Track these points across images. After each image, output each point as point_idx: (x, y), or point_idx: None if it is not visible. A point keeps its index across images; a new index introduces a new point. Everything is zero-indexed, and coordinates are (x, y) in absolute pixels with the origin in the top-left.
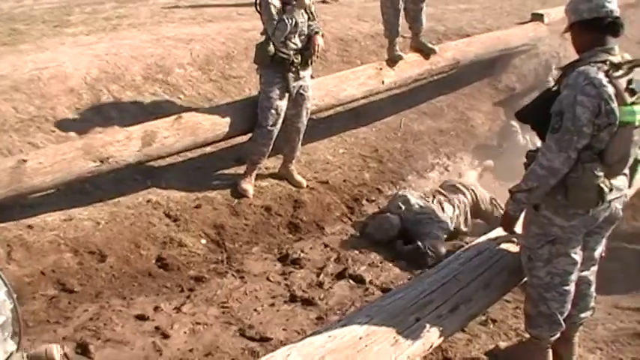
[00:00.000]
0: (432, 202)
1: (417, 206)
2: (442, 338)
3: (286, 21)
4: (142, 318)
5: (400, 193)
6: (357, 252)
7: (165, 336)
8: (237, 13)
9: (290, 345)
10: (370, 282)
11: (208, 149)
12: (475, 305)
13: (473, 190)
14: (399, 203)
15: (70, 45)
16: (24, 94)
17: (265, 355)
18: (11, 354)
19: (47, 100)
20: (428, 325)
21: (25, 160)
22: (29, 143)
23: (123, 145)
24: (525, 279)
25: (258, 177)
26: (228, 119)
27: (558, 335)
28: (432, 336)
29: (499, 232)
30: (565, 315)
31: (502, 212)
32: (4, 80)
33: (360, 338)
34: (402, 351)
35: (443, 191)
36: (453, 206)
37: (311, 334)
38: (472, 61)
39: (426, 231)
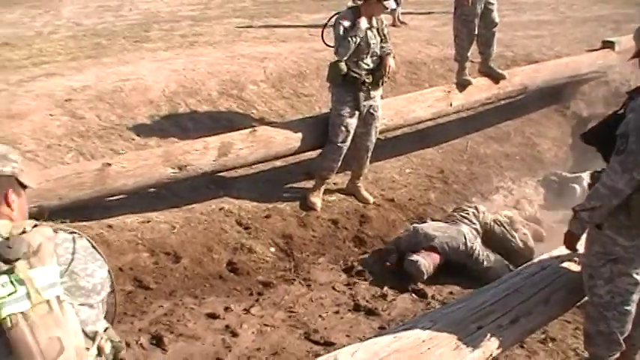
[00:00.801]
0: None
1: (451, 236)
2: (501, 349)
3: (350, 40)
4: (212, 316)
5: (415, 227)
6: None
7: (235, 334)
8: (309, 33)
9: (356, 344)
10: (432, 297)
11: (279, 163)
12: (535, 319)
13: (482, 212)
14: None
15: (150, 59)
16: (107, 103)
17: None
18: (106, 329)
19: (128, 110)
20: (489, 335)
21: (109, 164)
22: (111, 149)
23: (200, 154)
24: (586, 298)
25: (326, 192)
26: (300, 134)
27: (617, 356)
28: (491, 345)
29: (562, 250)
30: (625, 335)
31: (512, 236)
32: (89, 90)
33: (423, 341)
34: (463, 357)
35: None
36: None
37: (376, 335)
38: (540, 87)
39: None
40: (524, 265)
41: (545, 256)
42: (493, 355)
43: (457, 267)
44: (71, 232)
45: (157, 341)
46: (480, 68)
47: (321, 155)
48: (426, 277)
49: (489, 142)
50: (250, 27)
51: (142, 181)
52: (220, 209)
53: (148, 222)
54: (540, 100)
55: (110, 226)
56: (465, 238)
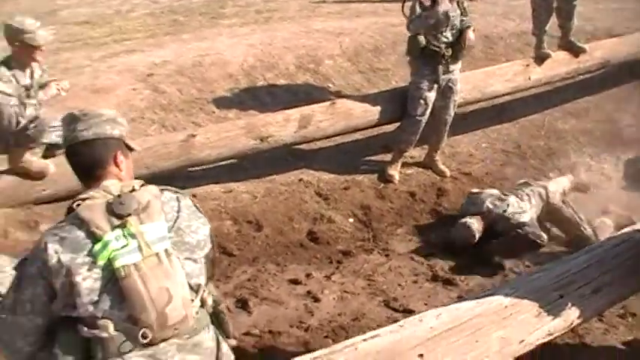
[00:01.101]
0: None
1: (498, 202)
2: (582, 319)
3: (425, 19)
4: (295, 282)
5: (474, 191)
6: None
7: (316, 300)
8: (384, 8)
9: (440, 307)
10: (510, 269)
11: (357, 135)
12: (616, 291)
13: (544, 186)
14: (480, 202)
15: (227, 35)
16: (188, 78)
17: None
18: (207, 284)
19: (208, 84)
20: (570, 303)
21: (194, 135)
22: (192, 122)
23: (281, 126)
24: None
25: (404, 165)
26: (378, 107)
27: None
28: (572, 314)
29: None
30: None
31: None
32: (169, 65)
33: (505, 307)
34: (544, 324)
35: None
36: (529, 197)
37: (459, 300)
38: (622, 61)
39: (515, 222)
40: (607, 237)
41: (629, 229)
42: (574, 324)
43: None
44: (175, 192)
45: (242, 304)
46: (559, 42)
47: (400, 128)
48: (477, 237)
49: (568, 117)
50: (324, 2)
51: (224, 152)
52: (300, 180)
53: (230, 192)
54: (621, 76)
55: (194, 195)
56: (508, 207)
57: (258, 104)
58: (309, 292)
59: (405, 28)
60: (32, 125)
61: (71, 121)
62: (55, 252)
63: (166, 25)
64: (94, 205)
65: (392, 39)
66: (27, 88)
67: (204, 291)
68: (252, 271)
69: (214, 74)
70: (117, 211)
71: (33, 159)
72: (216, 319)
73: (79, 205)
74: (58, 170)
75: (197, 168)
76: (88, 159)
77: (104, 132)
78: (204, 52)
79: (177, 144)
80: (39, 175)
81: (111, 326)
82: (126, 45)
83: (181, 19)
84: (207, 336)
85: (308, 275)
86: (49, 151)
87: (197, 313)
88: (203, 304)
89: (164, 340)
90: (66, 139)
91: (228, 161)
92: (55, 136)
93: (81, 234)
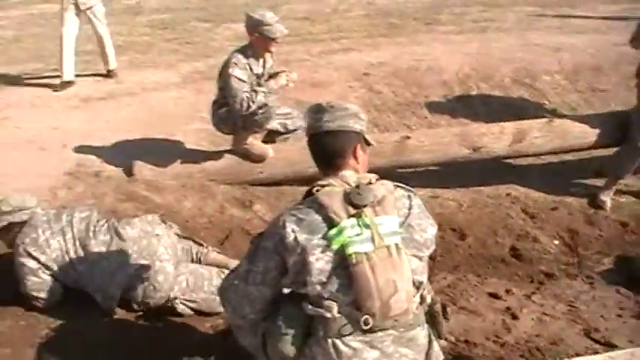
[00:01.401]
0: None
1: None
2: None
3: None
4: (494, 296)
5: None
6: None
7: (515, 317)
8: (607, 25)
9: None
10: None
11: (568, 156)
12: None
13: None
14: None
15: (442, 42)
16: (402, 81)
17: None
18: (422, 283)
19: (422, 89)
20: None
21: (408, 137)
22: (404, 124)
23: (496, 137)
24: None
25: (617, 192)
26: (597, 130)
27: None
28: None
29: None
30: None
31: None
32: (385, 67)
33: None
34: None
35: None
36: None
37: None
38: None
39: None
40: None
41: None
42: None
43: None
44: (407, 190)
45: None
46: None
47: (618, 154)
48: None
49: None
50: (542, 15)
51: (436, 157)
52: (507, 195)
53: (437, 197)
54: None
55: None
56: None
57: (470, 113)
58: (508, 309)
59: (628, 48)
60: (260, 111)
61: (318, 111)
62: (292, 231)
63: (382, 27)
64: (332, 192)
65: (614, 58)
66: (258, 77)
67: (424, 289)
68: (453, 278)
69: (429, 79)
70: (354, 201)
71: (255, 142)
72: (431, 318)
73: (318, 190)
74: (277, 155)
75: (406, 170)
76: (330, 148)
77: (347, 125)
78: (420, 57)
79: (392, 144)
80: (259, 158)
81: (335, 308)
82: (343, 43)
83: (396, 22)
84: (422, 333)
85: (508, 291)
86: (270, 136)
87: (416, 309)
88: (422, 301)
89: (382, 329)
90: (311, 127)
91: (438, 167)
92: (277, 124)
93: (318, 217)
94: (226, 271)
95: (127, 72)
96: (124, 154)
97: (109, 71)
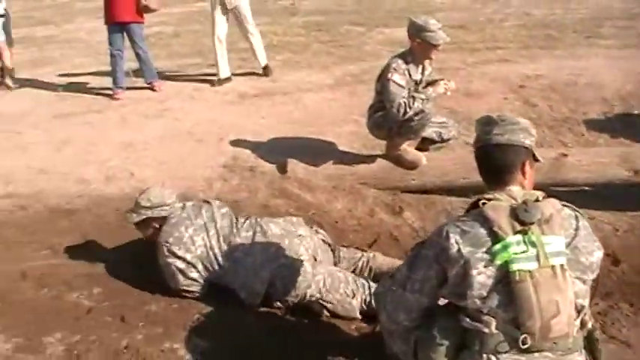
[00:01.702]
0: None
1: None
2: None
3: None
4: None
5: None
6: None
7: None
8: None
9: None
10: None
11: None
12: None
13: None
14: None
15: (603, 56)
16: (559, 95)
17: None
18: (583, 307)
19: (580, 104)
20: None
21: (565, 155)
22: (559, 141)
23: None
24: None
25: None
26: None
27: None
28: None
29: None
30: None
31: None
32: (542, 80)
33: None
34: None
35: None
36: None
37: None
38: None
39: None
40: None
41: None
42: None
43: None
44: (574, 210)
45: None
46: None
47: None
48: None
49: None
50: None
51: (593, 178)
52: None
53: (592, 219)
54: None
55: None
56: None
57: (632, 134)
58: None
59: None
60: (417, 118)
61: (488, 123)
62: (455, 242)
63: (539, 39)
64: (499, 206)
65: None
66: (417, 83)
67: (585, 313)
68: (604, 305)
69: (588, 95)
70: (521, 217)
71: (409, 149)
72: (589, 344)
73: (484, 203)
74: (429, 164)
75: (560, 188)
76: (498, 162)
77: (518, 139)
78: (579, 71)
79: (548, 161)
80: (411, 165)
81: (494, 324)
82: (498, 54)
83: (554, 34)
84: (579, 359)
85: None
86: (424, 144)
87: (576, 333)
88: (582, 325)
89: (540, 351)
90: (479, 139)
91: (594, 187)
92: (432, 132)
93: (483, 231)
94: (359, 279)
95: (281, 71)
96: (277, 151)
97: (263, 68)
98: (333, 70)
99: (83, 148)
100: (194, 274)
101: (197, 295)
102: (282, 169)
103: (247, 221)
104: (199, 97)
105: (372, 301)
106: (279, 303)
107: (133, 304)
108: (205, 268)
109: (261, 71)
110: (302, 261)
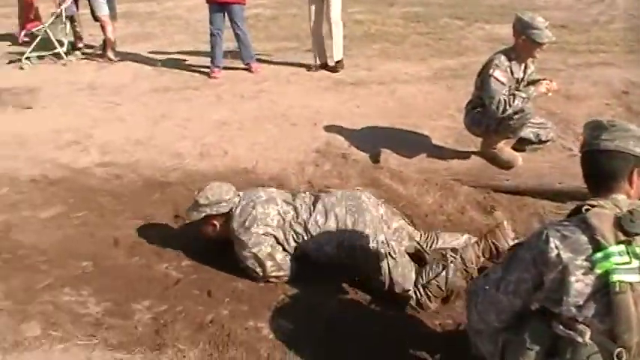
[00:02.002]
0: None
1: None
2: None
3: None
4: None
5: None
6: None
7: None
8: None
9: None
10: None
11: None
12: None
13: None
14: None
15: None
16: None
17: None
18: None
19: None
20: None
21: None
22: None
23: None
24: None
25: None
26: None
27: None
28: None
29: None
30: None
31: None
32: None
33: None
34: None
35: None
36: None
37: None
38: None
39: None
40: None
41: None
42: None
43: None
44: None
45: None
46: None
47: None
48: None
49: None
50: None
51: None
52: None
53: None
54: None
55: None
56: None
57: None
58: None
59: None
60: (516, 117)
61: (596, 127)
62: (555, 247)
63: None
64: (603, 214)
65: None
66: (518, 81)
67: None
68: None
69: None
70: (625, 227)
71: (505, 148)
72: None
73: (587, 209)
74: (525, 165)
75: None
76: (604, 168)
77: (627, 147)
78: None
79: None
80: (506, 165)
81: (588, 334)
82: (602, 57)
83: None
84: None
85: None
86: (521, 144)
87: None
88: None
89: None
90: (586, 144)
91: None
92: (530, 132)
93: (584, 238)
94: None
95: (378, 60)
96: (371, 140)
97: (336, 62)
98: (431, 62)
99: (179, 123)
100: (279, 257)
101: (285, 278)
102: (375, 158)
103: (312, 196)
104: (295, 81)
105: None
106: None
107: (220, 280)
108: (285, 238)
109: (333, 63)
110: (368, 233)
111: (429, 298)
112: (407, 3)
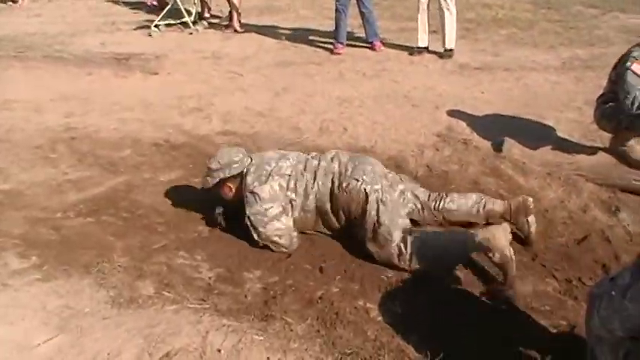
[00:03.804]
0: None
1: None
2: None
3: None
4: None
5: None
6: None
7: None
8: None
9: None
10: None
11: None
12: None
13: None
14: None
15: None
16: None
17: None
18: None
19: None
20: None
21: None
22: None
23: None
24: None
25: None
26: None
27: None
28: None
29: None
30: None
31: None
32: None
33: None
34: None
35: None
36: None
37: None
38: None
39: None
40: None
41: None
42: None
43: None
44: None
45: None
46: None
47: None
48: None
49: None
50: None
51: None
52: None
53: None
54: None
55: None
56: None
57: None
58: None
59: None
60: None
61: None
62: None
63: None
64: None
65: None
66: None
67: None
68: None
69: None
70: None
71: (637, 146)
72: None
73: None
74: None
75: None
76: None
77: None
78: None
79: None
80: (636, 164)
81: None
82: None
83: None
84: None
85: None
86: None
87: None
88: None
89: None
90: None
91: None
92: None
93: None
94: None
95: (504, 46)
96: (494, 127)
97: (445, 50)
98: (560, 51)
99: (300, 97)
100: (284, 221)
101: (284, 248)
102: (498, 147)
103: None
104: (419, 62)
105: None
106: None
107: (331, 257)
108: (295, 185)
109: (442, 50)
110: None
111: (410, 257)
112: None
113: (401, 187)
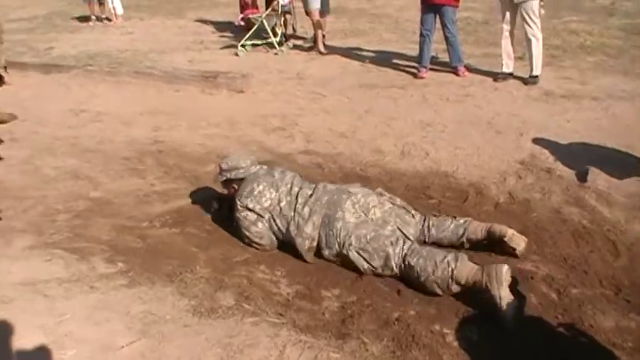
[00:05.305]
0: None
1: None
2: None
3: None
4: None
5: None
6: None
7: None
8: None
9: None
10: None
11: None
12: None
13: None
14: None
15: None
16: None
17: None
18: None
19: None
20: None
21: None
22: None
23: None
24: None
25: None
26: None
27: None
28: None
29: None
30: None
31: None
32: None
33: None
34: None
35: None
36: None
37: None
38: None
39: None
40: None
41: None
42: None
43: None
44: None
45: None
46: None
47: None
48: None
49: None
50: None
51: None
52: None
53: None
54: None
55: None
56: None
57: None
58: None
59: None
60: None
61: None
62: None
63: None
64: None
65: None
66: None
67: None
68: None
69: None
70: None
71: None
72: None
73: None
74: None
75: None
76: None
77: None
78: None
79: None
80: None
81: None
82: None
83: None
84: None
85: None
86: None
87: None
88: None
89: None
90: None
91: None
92: None
93: None
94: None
95: (592, 74)
96: (579, 157)
97: (530, 76)
98: None
99: (383, 120)
100: (260, 226)
101: (266, 247)
102: (582, 176)
103: (312, 184)
104: (503, 89)
105: (410, 260)
106: (326, 252)
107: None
108: (272, 219)
109: (527, 76)
110: (344, 212)
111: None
112: (628, 14)
113: (389, 227)
